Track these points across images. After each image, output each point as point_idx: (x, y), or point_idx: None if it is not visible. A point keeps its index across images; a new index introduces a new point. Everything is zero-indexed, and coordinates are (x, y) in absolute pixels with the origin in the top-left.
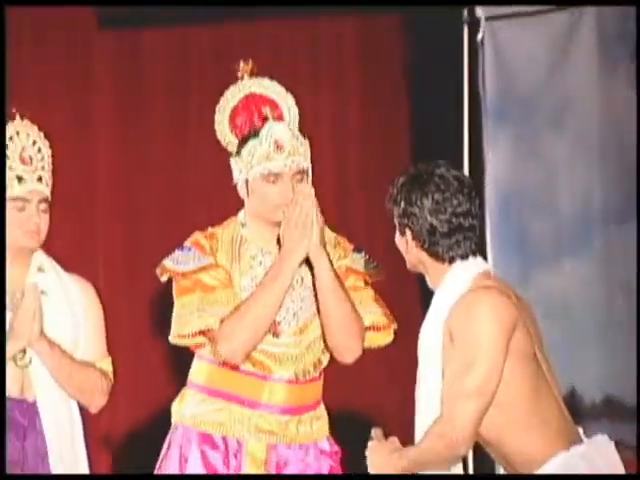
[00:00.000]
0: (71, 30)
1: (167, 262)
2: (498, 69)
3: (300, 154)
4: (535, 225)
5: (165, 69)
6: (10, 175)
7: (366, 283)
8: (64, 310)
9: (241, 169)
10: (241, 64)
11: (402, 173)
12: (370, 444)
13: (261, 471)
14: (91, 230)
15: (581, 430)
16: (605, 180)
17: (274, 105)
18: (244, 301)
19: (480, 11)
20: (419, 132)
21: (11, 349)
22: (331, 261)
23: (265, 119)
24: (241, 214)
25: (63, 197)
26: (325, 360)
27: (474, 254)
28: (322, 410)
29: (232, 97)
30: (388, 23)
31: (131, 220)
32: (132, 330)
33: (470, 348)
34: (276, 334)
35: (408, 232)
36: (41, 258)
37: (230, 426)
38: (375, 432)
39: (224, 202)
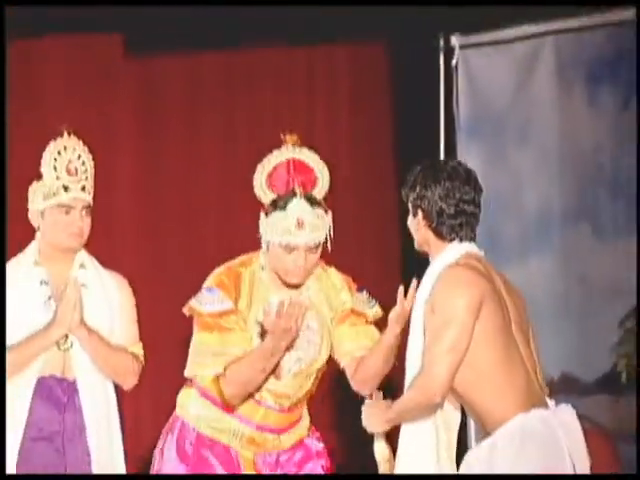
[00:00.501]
0: (100, 54)
1: (193, 302)
2: (470, 91)
3: (319, 230)
4: (504, 227)
5: (180, 93)
6: (57, 184)
7: (367, 322)
8: (101, 302)
9: (265, 231)
10: (287, 135)
11: (419, 164)
12: (367, 401)
13: (251, 467)
14: (109, 236)
15: (552, 402)
16: (564, 187)
17: (310, 171)
18: (245, 358)
19: (454, 40)
20: (401, 147)
21: (55, 335)
22: (396, 334)
23: (294, 194)
24: (262, 257)
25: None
26: (315, 387)
27: (470, 240)
28: (304, 417)
29: (274, 159)
30: (374, 52)
31: (149, 228)
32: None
33: (445, 314)
34: (278, 377)
35: (420, 213)
36: (83, 256)
37: (226, 436)
38: (375, 393)
39: (235, 219)
